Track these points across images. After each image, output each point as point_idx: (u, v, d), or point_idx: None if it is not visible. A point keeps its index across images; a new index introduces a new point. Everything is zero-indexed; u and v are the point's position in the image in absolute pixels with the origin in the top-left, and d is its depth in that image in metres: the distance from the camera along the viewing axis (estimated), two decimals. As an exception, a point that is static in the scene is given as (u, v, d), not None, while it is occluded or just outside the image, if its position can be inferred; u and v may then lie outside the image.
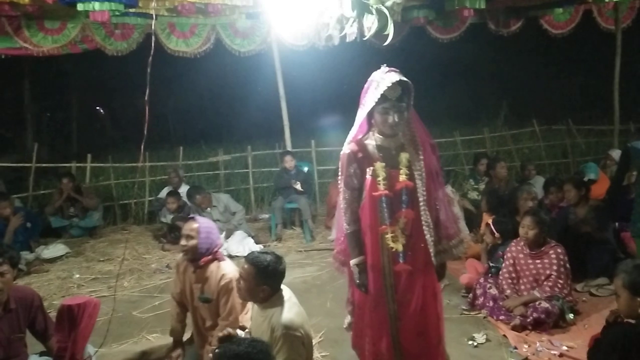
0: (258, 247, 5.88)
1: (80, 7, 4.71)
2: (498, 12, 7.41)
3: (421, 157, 2.63)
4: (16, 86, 16.35)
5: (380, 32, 2.74)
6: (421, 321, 2.66)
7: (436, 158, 2.72)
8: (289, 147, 7.89)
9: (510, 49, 13.80)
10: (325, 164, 9.20)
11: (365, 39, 2.86)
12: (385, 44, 2.78)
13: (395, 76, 2.48)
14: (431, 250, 2.62)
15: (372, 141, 2.67)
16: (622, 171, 5.04)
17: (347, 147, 2.72)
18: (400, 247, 2.59)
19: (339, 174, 2.76)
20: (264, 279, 2.57)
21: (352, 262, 2.69)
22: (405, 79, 2.50)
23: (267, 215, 7.88)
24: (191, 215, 3.34)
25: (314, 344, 3.14)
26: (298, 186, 7.03)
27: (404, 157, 2.62)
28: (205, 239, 3.14)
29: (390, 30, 2.68)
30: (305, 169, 7.92)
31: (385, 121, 2.56)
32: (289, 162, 7.19)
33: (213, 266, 3.17)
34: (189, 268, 3.25)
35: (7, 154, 13.25)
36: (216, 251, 3.21)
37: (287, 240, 6.82)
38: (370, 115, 2.64)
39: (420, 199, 2.60)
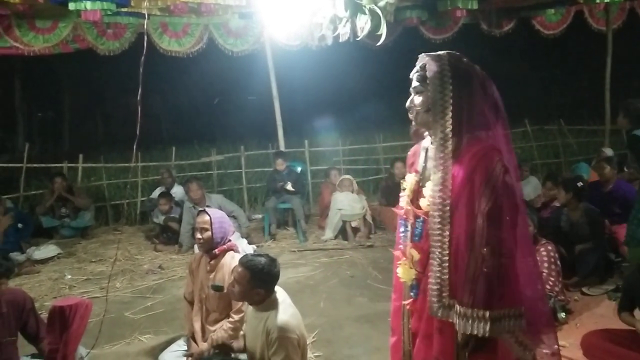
0: (251, 248, 5.86)
1: (71, 6, 4.68)
2: (490, 13, 7.45)
3: (447, 180, 1.90)
4: (7, 86, 16.25)
5: (373, 32, 2.73)
6: None
7: (495, 189, 1.82)
8: (282, 147, 7.87)
9: (502, 50, 13.89)
10: (319, 164, 9.21)
11: (358, 39, 2.86)
12: (378, 44, 2.77)
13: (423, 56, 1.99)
14: (434, 296, 1.92)
15: (426, 143, 2.06)
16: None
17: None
18: (407, 279, 2.06)
19: None
20: (259, 282, 2.57)
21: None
22: (430, 55, 1.98)
23: (260, 216, 7.87)
24: (202, 209, 3.38)
25: (307, 344, 3.14)
26: (289, 186, 7.03)
27: (438, 175, 1.92)
28: (219, 229, 3.23)
29: (383, 30, 2.67)
30: (299, 169, 7.92)
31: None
32: (280, 165, 7.18)
33: (227, 256, 3.24)
34: (203, 261, 3.31)
35: (-3, 154, 13.15)
36: (230, 240, 3.30)
37: (281, 241, 6.81)
38: None
39: (436, 237, 1.91)
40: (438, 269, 1.91)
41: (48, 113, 19.60)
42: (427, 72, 1.93)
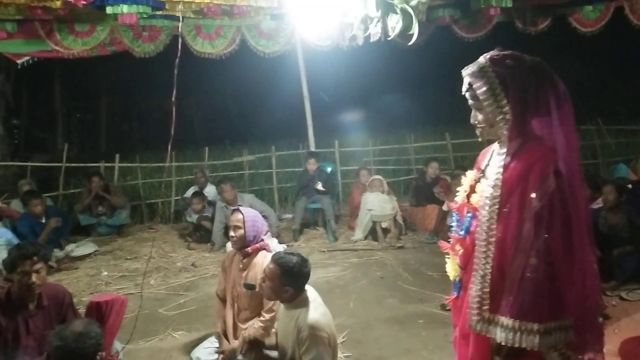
0: (282, 247, 5.91)
1: (109, 10, 4.82)
2: (525, 11, 7.29)
3: (497, 177, 1.88)
4: (47, 88, 16.81)
5: (404, 32, 2.71)
6: None
7: (546, 193, 1.76)
8: (312, 148, 7.90)
9: (537, 48, 13.56)
10: (349, 164, 9.20)
11: (389, 38, 2.84)
12: (410, 43, 2.75)
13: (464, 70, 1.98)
14: (473, 309, 1.87)
15: (496, 146, 2.02)
16: None
17: None
18: (452, 275, 2.07)
19: None
20: (289, 280, 2.59)
21: None
22: (469, 69, 1.95)
23: (290, 215, 7.91)
24: (235, 207, 3.44)
25: (337, 343, 3.15)
26: (319, 186, 7.03)
27: (493, 171, 1.93)
28: (252, 227, 3.27)
29: (415, 29, 2.65)
30: (329, 169, 7.92)
31: None
32: (313, 165, 7.18)
33: (260, 255, 3.28)
34: (236, 259, 3.37)
35: (38, 153, 13.61)
36: (262, 239, 3.34)
37: (311, 240, 6.83)
38: None
39: (482, 236, 1.88)
40: (480, 280, 1.85)
41: (86, 114, 20.18)
42: (476, 92, 1.90)
